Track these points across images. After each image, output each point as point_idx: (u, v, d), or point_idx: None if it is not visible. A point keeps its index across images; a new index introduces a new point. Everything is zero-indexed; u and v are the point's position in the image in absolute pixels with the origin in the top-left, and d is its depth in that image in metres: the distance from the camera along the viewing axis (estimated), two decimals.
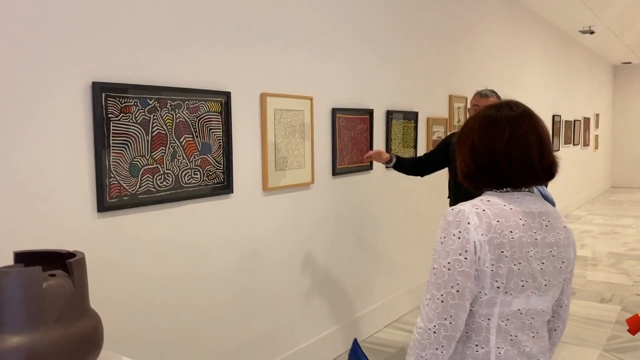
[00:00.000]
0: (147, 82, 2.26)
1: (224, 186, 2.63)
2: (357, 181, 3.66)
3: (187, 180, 2.44)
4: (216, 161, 2.58)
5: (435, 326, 1.28)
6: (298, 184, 3.10)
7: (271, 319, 2.98)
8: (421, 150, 4.44)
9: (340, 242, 3.52)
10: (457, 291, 1.26)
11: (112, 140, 2.13)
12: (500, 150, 1.30)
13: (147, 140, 2.26)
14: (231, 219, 2.70)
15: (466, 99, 5.17)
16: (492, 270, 1.27)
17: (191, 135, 2.45)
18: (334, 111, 3.36)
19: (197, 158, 2.48)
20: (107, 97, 2.09)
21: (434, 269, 1.31)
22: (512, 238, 1.27)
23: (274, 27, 2.89)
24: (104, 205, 2.10)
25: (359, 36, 3.56)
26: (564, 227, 1.37)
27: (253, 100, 2.79)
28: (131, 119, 2.19)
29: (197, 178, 2.49)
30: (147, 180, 2.27)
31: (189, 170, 2.45)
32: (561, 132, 8.68)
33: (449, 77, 4.83)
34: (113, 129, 2.13)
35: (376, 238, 3.91)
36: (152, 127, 2.28)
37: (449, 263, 1.28)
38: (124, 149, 2.17)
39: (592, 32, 8.21)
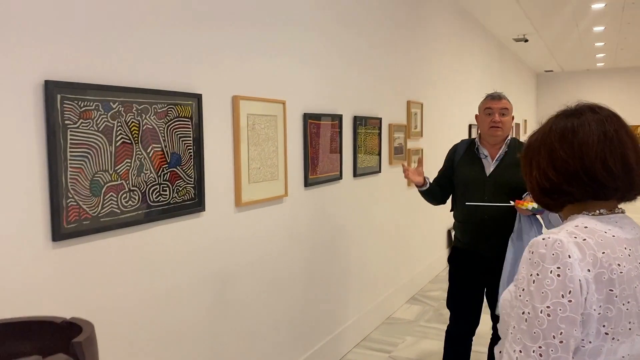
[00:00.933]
0: (109, 81, 1.88)
1: (195, 203, 2.27)
2: (328, 192, 3.39)
3: (155, 197, 2.07)
4: (187, 174, 2.22)
5: None
6: (272, 198, 2.78)
7: (245, 345, 2.64)
8: (384, 158, 4.24)
9: (314, 259, 3.23)
10: (560, 342, 1.01)
11: (70, 152, 1.73)
12: (592, 153, 1.09)
13: (111, 152, 1.87)
14: (202, 241, 2.35)
15: (422, 104, 5.04)
16: (599, 314, 1.03)
17: (159, 145, 2.08)
18: (306, 117, 3.07)
19: (165, 171, 2.11)
20: (63, 100, 1.70)
21: (523, 313, 1.06)
22: (621, 272, 1.04)
23: (247, 23, 2.57)
24: (60, 233, 1.70)
25: (328, 40, 3.30)
26: None
27: (224, 104, 2.45)
28: (92, 125, 1.80)
29: (166, 195, 2.12)
30: (111, 199, 1.88)
31: (157, 186, 2.08)
32: None
33: (407, 83, 4.68)
34: (71, 139, 1.73)
35: (347, 252, 3.66)
36: (116, 136, 1.89)
37: (548, 307, 1.02)
38: (83, 163, 1.78)
39: (526, 40, 8.43)
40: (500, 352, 1.28)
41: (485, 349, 3.18)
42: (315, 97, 3.19)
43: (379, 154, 4.10)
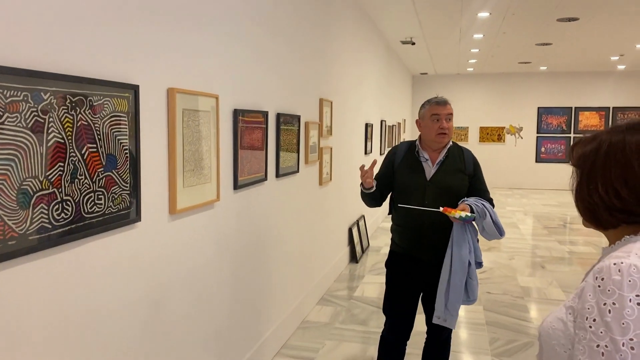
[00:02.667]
0: (40, 66, 1.51)
1: (131, 213, 1.95)
2: (254, 194, 3.16)
3: (90, 208, 1.73)
4: (122, 179, 1.89)
5: None
6: (204, 203, 2.51)
7: None
8: (302, 157, 4.10)
9: (240, 268, 2.99)
10: None
11: None
12: None
13: (41, 154, 1.51)
14: (137, 256, 2.03)
15: (331, 102, 4.97)
16: None
17: (95, 145, 1.74)
18: (237, 113, 2.82)
19: (101, 176, 1.77)
20: None
21: (598, 346, 0.97)
22: None
23: (183, 14, 2.27)
24: None
25: (252, 38, 3.07)
26: None
27: (160, 97, 2.14)
28: (20, 121, 1.43)
29: (101, 204, 1.78)
30: (41, 212, 1.52)
31: (92, 194, 1.73)
32: (385, 136, 9.12)
33: (318, 81, 4.57)
34: None
35: (269, 257, 3.46)
36: (48, 134, 1.53)
37: (631, 340, 0.94)
38: (10, 168, 1.41)
39: (413, 43, 8.76)
40: None
41: (418, 351, 3.18)
42: (244, 93, 2.95)
43: (297, 153, 3.95)
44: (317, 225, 4.68)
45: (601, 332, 0.98)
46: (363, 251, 6.52)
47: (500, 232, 2.66)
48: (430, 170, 2.74)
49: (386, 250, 6.65)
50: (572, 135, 13.89)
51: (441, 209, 2.53)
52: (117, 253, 1.89)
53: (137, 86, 1.94)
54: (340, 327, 4.12)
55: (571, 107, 13.87)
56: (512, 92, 14.14)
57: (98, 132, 1.74)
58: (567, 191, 13.78)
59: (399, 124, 11.33)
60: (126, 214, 1.91)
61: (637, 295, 0.96)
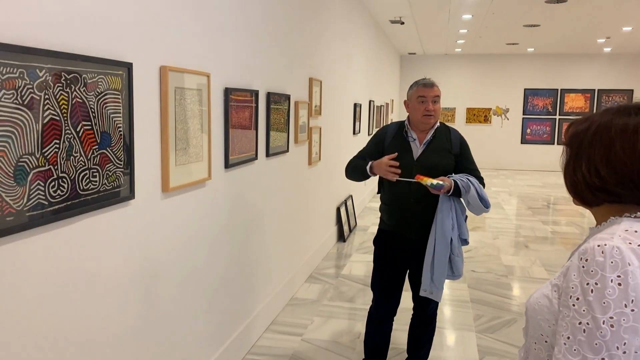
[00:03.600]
0: (35, 42, 1.52)
1: (125, 190, 1.97)
2: (245, 173, 3.19)
3: (85, 185, 1.74)
4: (117, 157, 1.91)
5: None
6: (196, 182, 2.53)
7: (169, 342, 2.39)
8: (292, 137, 4.12)
9: (231, 246, 3.03)
10: (624, 352, 0.98)
11: None
12: None
13: (37, 131, 1.52)
14: (131, 233, 2.05)
15: (321, 82, 4.98)
16: None
17: (90, 123, 1.75)
18: (227, 91, 2.83)
19: (96, 154, 1.79)
20: None
21: (580, 324, 1.02)
22: None
23: None
24: None
25: (242, 14, 3.06)
26: None
27: (152, 75, 2.14)
28: (16, 98, 1.44)
29: (96, 181, 1.80)
30: (38, 188, 1.54)
31: (87, 172, 1.75)
32: (374, 116, 9.15)
33: (308, 60, 4.56)
34: None
35: (259, 236, 3.50)
36: (44, 111, 1.54)
37: (610, 318, 0.99)
38: (7, 145, 1.42)
39: (402, 23, 8.74)
40: (522, 354, 1.26)
41: (404, 327, 3.26)
42: (234, 71, 2.95)
43: (287, 132, 3.97)
44: (305, 204, 4.72)
45: (583, 311, 1.02)
46: (350, 230, 6.59)
47: (486, 205, 2.72)
48: (417, 149, 2.78)
49: (373, 229, 6.74)
50: (557, 117, 14.02)
51: (415, 177, 2.58)
52: (112, 229, 1.91)
53: (131, 64, 1.94)
54: (328, 304, 4.20)
55: (557, 89, 13.98)
56: (499, 73, 14.20)
57: (93, 110, 1.75)
58: (552, 172, 13.97)
59: (387, 104, 11.34)
60: (120, 191, 1.93)
61: (618, 276, 1.00)
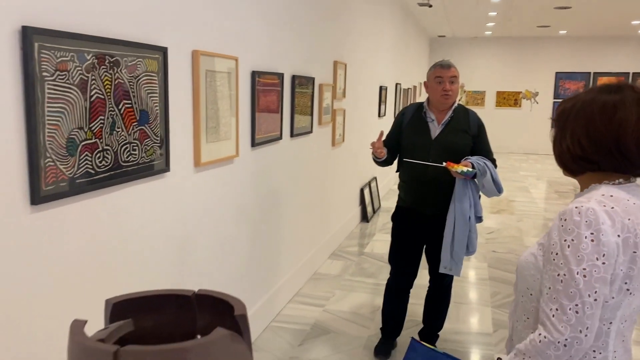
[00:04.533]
0: (84, 29, 1.71)
1: (161, 163, 2.17)
2: (270, 152, 3.37)
3: (126, 157, 1.95)
4: (154, 133, 2.11)
5: (567, 339, 1.15)
6: (225, 158, 2.72)
7: None
8: (315, 119, 4.28)
9: (257, 220, 3.23)
10: (595, 300, 1.15)
11: (47, 107, 1.57)
12: (629, 132, 1.19)
13: (85, 108, 1.73)
14: (167, 203, 2.26)
15: (345, 65, 5.11)
16: (623, 273, 1.18)
17: (130, 101, 1.95)
18: (254, 74, 3.01)
19: (135, 129, 1.99)
20: (40, 49, 1.53)
21: (559, 275, 1.17)
22: None
23: None
24: (39, 196, 1.56)
25: None
26: None
27: (185, 59, 2.33)
28: (68, 78, 1.64)
29: (136, 154, 2.00)
30: (86, 159, 1.74)
31: (128, 145, 1.95)
32: (400, 99, 9.22)
33: (333, 43, 4.70)
34: (48, 92, 1.57)
35: (283, 212, 3.69)
36: (91, 90, 1.74)
37: (584, 269, 1.15)
38: (60, 119, 1.63)
39: (430, 6, 8.75)
40: (512, 308, 1.41)
41: (420, 301, 3.42)
42: (261, 55, 3.12)
43: (311, 114, 4.13)
44: (329, 184, 4.89)
45: (561, 264, 1.18)
46: (374, 211, 6.74)
47: (499, 190, 2.85)
48: (435, 130, 2.91)
49: None
50: None
51: (444, 163, 2.72)
52: (149, 198, 2.12)
53: (166, 48, 2.13)
54: (350, 279, 4.38)
55: (589, 72, 13.73)
56: (529, 56, 14.02)
57: (132, 90, 1.95)
58: None
59: (415, 87, 11.37)
60: (157, 164, 2.14)
61: (591, 233, 1.15)
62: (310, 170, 4.26)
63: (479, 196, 2.93)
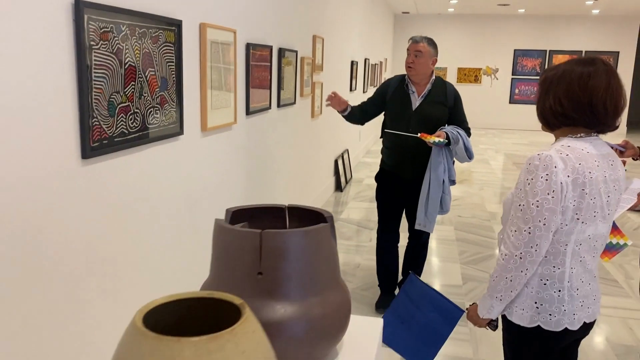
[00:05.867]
0: (120, 3, 1.91)
1: (176, 127, 2.39)
2: (261, 121, 3.61)
3: (151, 120, 2.17)
4: (171, 99, 2.32)
5: (521, 253, 1.51)
6: (225, 124, 2.95)
7: (201, 266, 2.86)
8: (298, 90, 4.51)
9: (249, 187, 3.48)
10: (544, 224, 1.49)
11: (94, 72, 1.78)
12: (599, 96, 1.52)
13: (121, 74, 1.93)
14: (181, 164, 2.49)
15: (323, 39, 5.34)
16: (574, 205, 1.51)
17: (154, 69, 2.15)
18: (248, 46, 3.22)
19: (157, 95, 2.20)
20: (89, 20, 1.73)
21: (520, 205, 1.52)
22: (591, 178, 1.52)
23: None
24: (87, 151, 1.78)
25: None
26: (621, 164, 1.67)
27: (194, 30, 2.53)
28: (108, 47, 1.85)
29: (158, 118, 2.22)
30: (121, 120, 1.96)
31: (152, 109, 2.17)
32: (369, 74, 9.50)
33: (312, 18, 4.92)
34: (95, 59, 1.77)
35: (271, 180, 3.95)
36: (125, 58, 1.95)
37: (537, 201, 1.48)
38: (103, 84, 1.83)
39: None
40: (500, 236, 1.74)
41: None
42: (253, 28, 3.33)
43: (295, 86, 4.36)
44: (309, 154, 5.16)
45: (522, 196, 1.52)
46: (347, 182, 7.06)
47: (470, 156, 3.18)
48: (415, 101, 3.20)
49: (368, 181, 7.23)
50: None
51: (418, 134, 3.02)
52: (168, 158, 2.35)
53: (180, 21, 2.33)
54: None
55: (546, 50, 14.34)
56: (490, 34, 14.50)
57: (155, 59, 2.16)
58: (538, 132, 14.40)
59: (381, 62, 11.67)
60: (174, 127, 2.36)
61: (546, 174, 1.48)
62: (294, 139, 4.51)
63: (453, 162, 3.26)
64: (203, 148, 2.72)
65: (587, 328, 1.67)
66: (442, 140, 3.00)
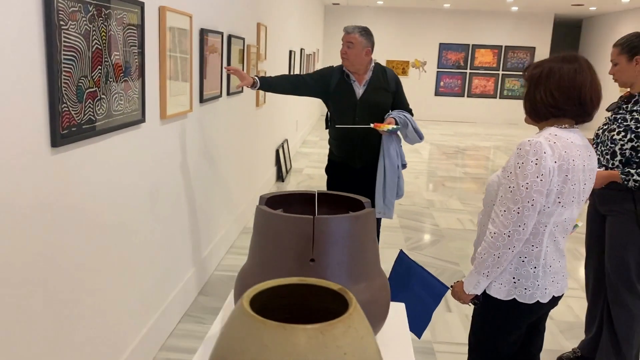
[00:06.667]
0: None
1: (139, 114, 2.29)
2: (213, 109, 3.52)
3: (116, 107, 2.06)
4: (135, 85, 2.21)
5: (509, 231, 1.60)
6: (183, 112, 2.85)
7: (164, 250, 2.77)
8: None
9: (202, 175, 3.39)
10: (532, 205, 1.58)
11: (63, 55, 1.66)
12: (587, 89, 1.62)
13: (89, 57, 1.82)
14: (143, 153, 2.38)
15: (266, 27, 5.27)
16: (557, 189, 1.60)
17: (119, 54, 2.04)
18: (202, 32, 3.12)
19: (122, 80, 2.09)
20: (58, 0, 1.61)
21: (509, 187, 1.60)
22: (574, 165, 1.61)
23: None
24: (57, 139, 1.66)
25: None
26: (596, 156, 1.78)
27: (154, 13, 2.42)
28: (77, 28, 1.73)
29: (122, 105, 2.11)
30: (89, 106, 1.84)
31: (117, 95, 2.06)
32: (304, 64, 9.49)
33: (256, 4, 4.84)
34: (64, 41, 1.66)
35: (222, 168, 3.86)
36: (92, 40, 1.83)
37: (527, 183, 1.57)
38: (72, 67, 1.72)
39: None
40: (480, 217, 1.81)
41: None
42: (206, 14, 3.24)
43: None
44: (254, 143, 5.10)
45: (512, 179, 1.59)
46: (287, 172, 7.04)
47: (420, 137, 3.27)
48: (359, 90, 3.21)
49: (308, 171, 7.26)
50: (468, 70, 15.04)
51: (372, 125, 3.06)
52: (132, 146, 2.24)
53: (143, 3, 2.22)
54: None
55: (469, 44, 14.94)
56: (417, 27, 14.90)
57: (120, 43, 2.05)
58: (462, 123, 15.01)
59: (315, 53, 11.69)
60: (137, 114, 2.25)
61: (535, 159, 1.56)
62: (241, 128, 4.44)
63: (401, 146, 3.33)
64: (162, 136, 2.62)
65: (554, 301, 1.79)
66: (395, 127, 3.05)
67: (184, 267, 3.12)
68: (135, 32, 2.18)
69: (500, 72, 15.14)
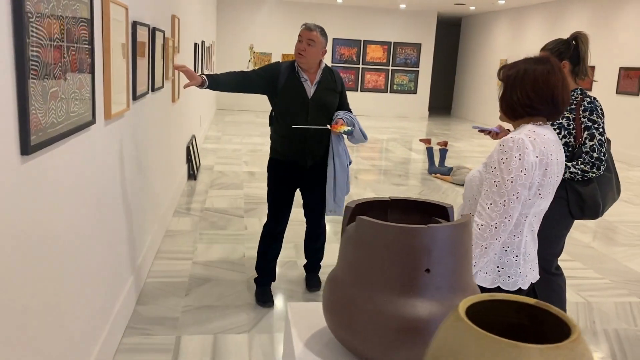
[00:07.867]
0: None
1: (90, 115, 2.09)
2: (143, 106, 3.30)
3: (73, 108, 1.86)
4: (86, 83, 2.02)
5: (496, 223, 1.68)
6: (122, 111, 2.65)
7: (108, 256, 2.56)
8: (164, 72, 4.21)
9: (134, 178, 3.18)
10: (517, 198, 1.68)
11: (31, 52, 1.47)
12: (559, 90, 1.72)
13: (51, 54, 1.63)
14: (93, 156, 2.18)
15: (179, 20, 5.04)
16: (538, 182, 1.72)
17: (74, 49, 1.85)
18: (135, 25, 2.92)
19: (77, 78, 1.90)
20: None
21: (495, 182, 1.69)
22: (551, 159, 1.73)
23: None
24: (28, 146, 1.47)
25: None
26: (563, 150, 1.91)
27: (98, 6, 2.22)
28: (42, 21, 1.54)
29: (78, 105, 1.91)
30: (52, 108, 1.65)
31: (74, 95, 1.86)
32: (205, 56, 9.22)
33: None
34: (31, 35, 1.46)
35: (149, 172, 3.65)
36: (53, 34, 1.64)
37: (512, 177, 1.67)
38: (38, 65, 1.52)
39: None
40: (460, 211, 1.88)
41: (290, 244, 3.78)
42: (135, 4, 3.03)
43: (163, 68, 4.07)
44: (170, 141, 4.86)
45: (497, 174, 1.68)
46: (197, 169, 6.81)
47: (365, 137, 3.33)
48: (310, 89, 3.20)
49: (219, 167, 7.09)
50: (360, 66, 15.50)
51: (329, 126, 3.06)
52: (84, 152, 2.04)
53: None
54: (206, 233, 4.52)
55: (360, 40, 15.40)
56: (311, 21, 15.06)
57: (75, 37, 1.85)
58: (358, 116, 15.42)
59: (212, 45, 11.39)
60: (88, 115, 2.05)
61: (519, 154, 1.66)
62: (162, 126, 4.21)
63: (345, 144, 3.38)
64: (107, 138, 2.41)
65: (530, 286, 1.92)
66: (350, 129, 3.08)
67: (125, 276, 2.91)
68: (87, 26, 1.98)
69: (390, 68, 15.79)
